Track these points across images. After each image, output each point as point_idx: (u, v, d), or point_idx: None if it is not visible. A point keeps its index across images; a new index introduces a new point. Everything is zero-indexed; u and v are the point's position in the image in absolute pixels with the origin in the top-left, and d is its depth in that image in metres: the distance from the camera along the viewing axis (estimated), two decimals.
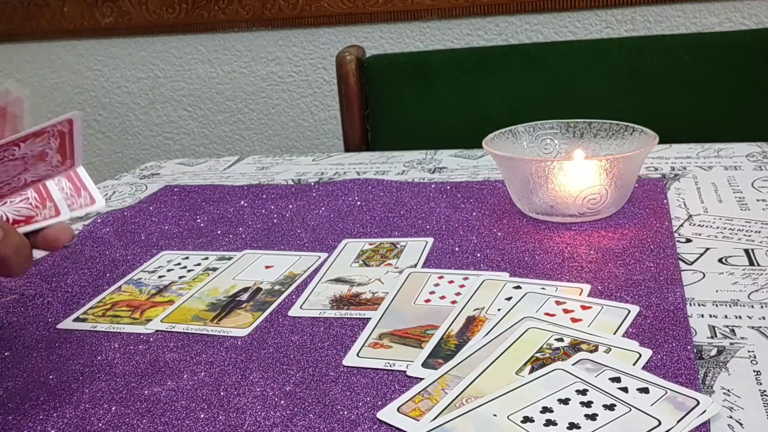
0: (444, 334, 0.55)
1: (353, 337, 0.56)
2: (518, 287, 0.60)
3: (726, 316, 0.55)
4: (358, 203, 0.83)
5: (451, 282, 0.63)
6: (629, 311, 0.55)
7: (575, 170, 0.70)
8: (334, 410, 0.48)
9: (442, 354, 0.53)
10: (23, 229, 0.56)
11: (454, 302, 0.59)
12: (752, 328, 0.53)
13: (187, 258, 0.73)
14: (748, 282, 0.60)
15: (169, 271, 0.71)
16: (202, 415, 0.49)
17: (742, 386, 0.47)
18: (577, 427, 0.43)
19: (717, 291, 0.59)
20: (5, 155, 0.49)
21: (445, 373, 0.50)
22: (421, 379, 0.50)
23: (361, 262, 0.69)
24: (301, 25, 1.64)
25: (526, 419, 0.44)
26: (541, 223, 0.73)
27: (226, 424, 0.47)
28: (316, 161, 1.06)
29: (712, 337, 0.53)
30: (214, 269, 0.70)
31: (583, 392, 0.46)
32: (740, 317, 0.55)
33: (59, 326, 0.62)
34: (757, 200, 0.76)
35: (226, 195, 0.90)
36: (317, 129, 1.73)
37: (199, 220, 0.83)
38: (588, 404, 0.45)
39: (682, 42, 1.20)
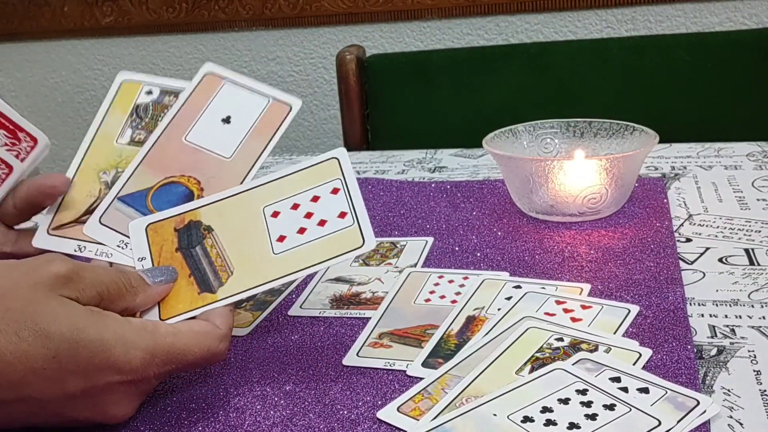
0: (444, 333, 0.55)
1: (353, 336, 0.56)
2: (518, 287, 0.60)
3: (726, 316, 0.55)
4: None
5: (451, 281, 0.63)
6: (629, 311, 0.55)
7: (575, 170, 0.70)
8: (334, 410, 0.48)
9: (442, 353, 0.53)
10: None
11: (454, 302, 0.59)
12: (752, 327, 0.53)
13: None
14: (748, 282, 0.60)
15: None
16: (201, 415, 0.48)
17: (742, 386, 0.47)
18: (577, 427, 0.43)
19: (717, 290, 0.59)
20: None
21: (445, 373, 0.50)
22: (421, 378, 0.50)
23: (361, 262, 0.68)
24: (302, 24, 1.64)
25: (526, 419, 0.44)
26: (541, 222, 0.73)
27: (226, 424, 0.47)
28: (312, 158, 1.06)
29: (712, 337, 0.53)
30: None
31: (583, 392, 0.46)
32: (740, 317, 0.55)
33: None
34: (758, 200, 0.76)
35: None
36: (317, 128, 1.73)
37: None
38: (588, 404, 0.45)
39: (683, 42, 1.20)
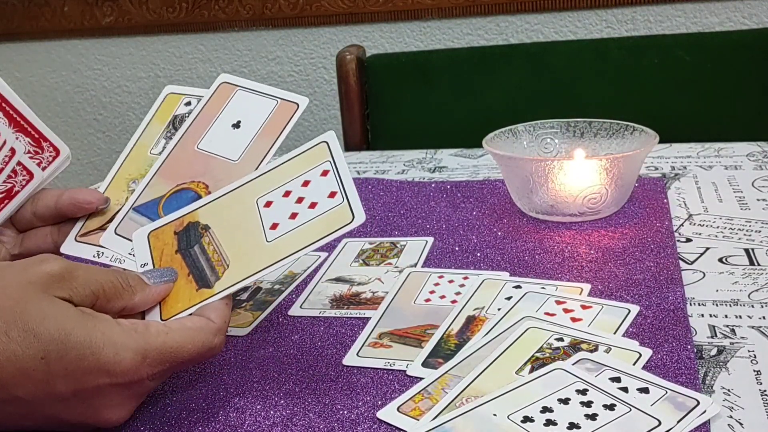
0: (444, 333, 0.55)
1: (353, 336, 0.56)
2: (518, 287, 0.60)
3: (726, 316, 0.55)
4: None
5: (451, 281, 0.63)
6: (629, 311, 0.55)
7: (575, 170, 0.70)
8: (333, 409, 0.48)
9: (442, 353, 0.53)
10: (12, 204, 0.57)
11: (454, 302, 0.59)
12: (752, 327, 0.53)
13: None
14: (748, 282, 0.60)
15: None
16: (201, 415, 0.48)
17: (742, 386, 0.47)
18: (577, 427, 0.43)
19: (717, 290, 0.59)
20: None
21: (445, 373, 0.50)
22: (421, 378, 0.50)
23: (361, 262, 0.69)
24: (302, 24, 1.64)
25: (526, 419, 0.44)
26: (541, 222, 0.73)
27: (226, 424, 0.47)
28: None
29: (712, 337, 0.53)
30: None
31: (583, 392, 0.46)
32: (740, 317, 0.55)
33: None
34: (758, 200, 0.76)
35: None
36: (317, 129, 1.73)
37: None
38: (588, 404, 0.45)
39: (683, 42, 1.20)
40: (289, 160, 0.55)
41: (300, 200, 0.52)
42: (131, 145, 0.62)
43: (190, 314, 0.49)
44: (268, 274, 0.51)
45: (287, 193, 0.53)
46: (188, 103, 0.62)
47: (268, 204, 0.53)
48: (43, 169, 0.58)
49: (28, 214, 0.58)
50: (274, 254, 0.50)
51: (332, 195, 0.51)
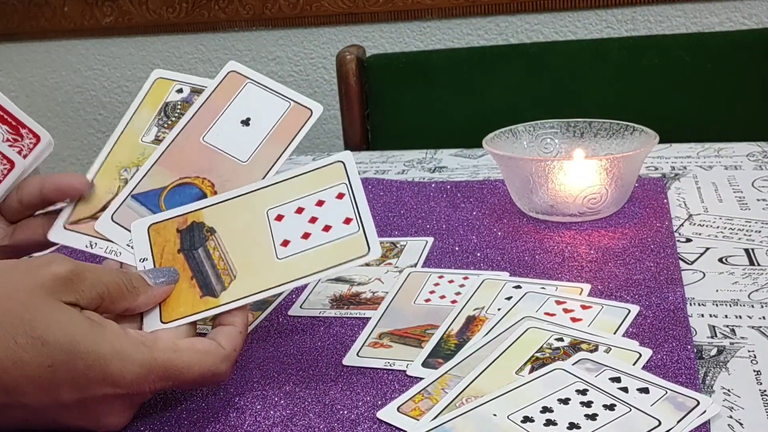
0: (444, 333, 0.55)
1: (353, 336, 0.56)
2: (518, 287, 0.60)
3: (726, 316, 0.55)
4: None
5: (451, 281, 0.63)
6: (629, 311, 0.55)
7: (575, 170, 0.70)
8: (333, 410, 0.48)
9: (442, 354, 0.53)
10: None
11: (454, 302, 0.59)
12: (752, 327, 0.53)
13: None
14: (748, 282, 0.60)
15: None
16: (202, 415, 0.48)
17: (742, 386, 0.47)
18: (577, 427, 0.43)
19: (717, 291, 0.59)
20: None
21: (445, 373, 0.50)
22: (421, 378, 0.50)
23: None
24: (302, 24, 1.64)
25: (526, 419, 0.44)
26: (541, 222, 0.73)
27: (226, 424, 0.47)
28: (317, 161, 1.06)
29: (712, 337, 0.53)
30: None
31: (583, 392, 0.46)
32: (740, 317, 0.55)
33: None
34: (758, 200, 0.76)
35: None
36: (317, 128, 1.73)
37: None
38: (588, 404, 0.45)
39: (683, 42, 1.20)
40: (302, 174, 0.54)
41: (313, 220, 0.51)
42: (119, 131, 0.60)
43: (200, 335, 0.49)
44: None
45: (300, 210, 0.52)
46: (180, 90, 0.60)
47: (279, 217, 0.52)
48: (24, 156, 0.57)
49: (14, 203, 0.57)
50: (284, 274, 0.49)
51: (347, 221, 0.51)
